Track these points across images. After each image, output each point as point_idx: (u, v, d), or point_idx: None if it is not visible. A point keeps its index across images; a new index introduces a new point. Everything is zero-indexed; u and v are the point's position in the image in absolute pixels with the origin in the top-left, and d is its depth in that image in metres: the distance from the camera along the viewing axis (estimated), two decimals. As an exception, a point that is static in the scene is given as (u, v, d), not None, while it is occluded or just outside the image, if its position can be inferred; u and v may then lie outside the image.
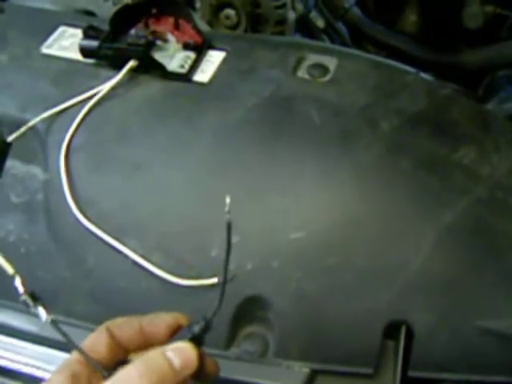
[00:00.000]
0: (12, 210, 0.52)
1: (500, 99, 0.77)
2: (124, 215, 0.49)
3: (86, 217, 0.48)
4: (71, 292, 0.49)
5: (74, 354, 0.35)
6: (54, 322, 0.36)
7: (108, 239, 0.47)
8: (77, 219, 0.49)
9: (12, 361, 0.48)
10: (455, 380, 0.44)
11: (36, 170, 0.53)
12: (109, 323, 0.37)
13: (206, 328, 0.37)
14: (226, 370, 0.44)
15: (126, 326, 0.37)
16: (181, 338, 0.36)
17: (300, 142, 0.49)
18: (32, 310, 0.36)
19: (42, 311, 0.36)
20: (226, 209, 0.37)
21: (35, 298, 0.37)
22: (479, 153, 0.50)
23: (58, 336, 0.35)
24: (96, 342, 0.35)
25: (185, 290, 0.46)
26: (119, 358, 0.36)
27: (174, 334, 0.37)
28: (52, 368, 0.47)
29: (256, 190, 0.48)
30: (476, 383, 0.44)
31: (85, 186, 0.50)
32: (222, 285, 0.38)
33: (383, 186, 0.48)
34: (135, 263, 0.47)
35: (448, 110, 0.52)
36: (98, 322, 0.47)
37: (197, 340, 0.36)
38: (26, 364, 0.48)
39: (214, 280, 0.45)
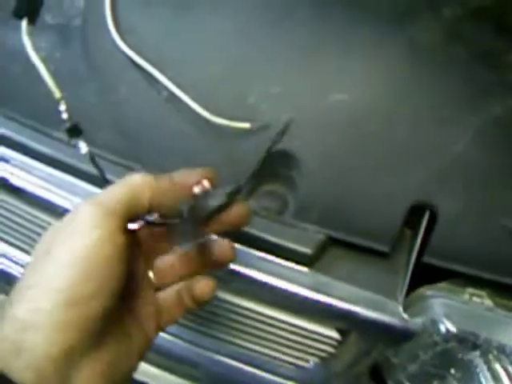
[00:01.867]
0: (46, 30, 0.50)
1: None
2: (165, 49, 0.47)
3: (125, 43, 0.47)
4: (96, 119, 0.47)
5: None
6: (92, 158, 0.35)
7: (147, 67, 0.45)
8: (115, 45, 0.47)
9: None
10: (470, 274, 0.43)
11: (77, -4, 0.51)
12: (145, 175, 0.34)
13: (240, 187, 0.36)
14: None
15: (160, 178, 0.34)
16: None
17: (359, 10, 0.47)
18: (72, 141, 0.35)
19: (82, 144, 0.35)
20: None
21: (78, 130, 0.36)
22: (537, 59, 0.48)
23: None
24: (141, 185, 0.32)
25: (216, 131, 0.44)
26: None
27: None
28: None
29: (305, 48, 0.46)
30: (489, 282, 0.43)
31: (128, 15, 0.48)
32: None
33: (435, 69, 0.46)
34: (170, 96, 0.45)
35: (513, 11, 0.49)
36: (119, 153, 0.46)
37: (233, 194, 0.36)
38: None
39: (247, 125, 0.43)
